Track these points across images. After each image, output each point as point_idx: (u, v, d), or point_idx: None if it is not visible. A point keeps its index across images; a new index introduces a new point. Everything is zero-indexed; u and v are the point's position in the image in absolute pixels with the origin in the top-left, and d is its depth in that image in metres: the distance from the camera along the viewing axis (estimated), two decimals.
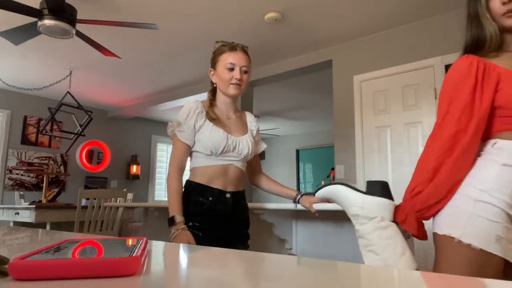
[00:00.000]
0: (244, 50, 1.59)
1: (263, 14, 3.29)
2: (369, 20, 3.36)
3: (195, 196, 1.51)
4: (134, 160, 6.97)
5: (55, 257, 0.39)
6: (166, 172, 7.60)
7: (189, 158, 1.58)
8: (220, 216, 1.50)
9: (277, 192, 1.69)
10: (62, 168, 6.13)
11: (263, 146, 1.77)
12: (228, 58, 1.54)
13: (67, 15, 2.82)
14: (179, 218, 1.43)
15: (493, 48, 1.13)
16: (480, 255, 1.00)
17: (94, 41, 3.30)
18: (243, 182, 1.63)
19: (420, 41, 3.31)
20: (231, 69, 1.53)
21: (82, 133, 4.76)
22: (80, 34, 3.16)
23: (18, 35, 3.12)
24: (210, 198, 1.49)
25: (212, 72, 1.62)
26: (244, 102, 4.78)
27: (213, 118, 1.52)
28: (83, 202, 3.86)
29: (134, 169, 6.90)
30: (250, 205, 2.21)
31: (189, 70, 4.74)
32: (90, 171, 6.40)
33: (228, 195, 1.52)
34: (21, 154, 5.66)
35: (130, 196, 4.63)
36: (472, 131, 1.06)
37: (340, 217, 1.98)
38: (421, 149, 3.18)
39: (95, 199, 3.84)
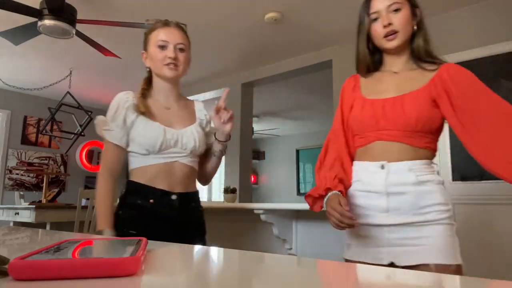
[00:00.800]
0: (179, 26, 1.38)
1: (263, 14, 3.29)
2: None
3: (132, 199, 1.28)
4: None
5: (55, 257, 0.39)
6: None
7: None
8: (164, 221, 1.26)
9: (210, 164, 1.44)
10: (62, 168, 6.13)
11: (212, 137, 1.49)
12: (159, 35, 1.33)
13: (67, 15, 2.83)
14: (107, 233, 1.21)
15: (366, 67, 1.24)
16: None
17: (94, 41, 3.30)
18: (194, 180, 1.39)
19: None
20: (163, 47, 1.32)
21: (82, 133, 4.76)
22: (80, 34, 3.16)
23: (18, 35, 3.12)
24: (151, 201, 1.26)
25: (144, 55, 1.39)
26: (244, 102, 4.78)
27: (142, 112, 1.28)
28: (83, 202, 3.86)
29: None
30: (250, 205, 2.21)
31: (189, 70, 4.74)
32: (90, 171, 6.40)
33: (174, 197, 1.28)
34: (21, 154, 5.66)
35: None
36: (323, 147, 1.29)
37: None
38: None
39: (95, 199, 3.83)
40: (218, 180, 8.52)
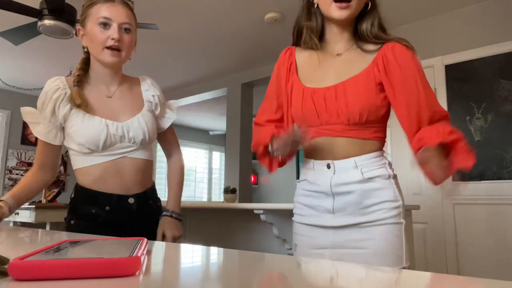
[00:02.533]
0: (125, 2, 1.18)
1: (263, 14, 3.29)
2: None
3: (85, 208, 1.14)
4: None
5: (55, 257, 0.39)
6: (165, 172, 7.59)
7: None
8: (123, 228, 1.12)
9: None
10: (62, 168, 6.13)
11: (170, 118, 1.31)
12: (101, 10, 1.11)
13: (67, 15, 2.82)
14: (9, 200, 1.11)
15: (308, 37, 1.09)
16: None
17: None
18: (149, 174, 1.22)
19: (420, 41, 3.31)
20: (105, 25, 1.11)
21: None
22: None
23: (18, 35, 3.12)
24: (107, 208, 1.12)
25: (81, 32, 1.16)
26: (244, 102, 4.78)
27: (78, 104, 1.10)
28: None
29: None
30: (250, 205, 2.21)
31: (189, 70, 4.74)
32: None
33: (131, 200, 1.15)
34: (21, 154, 5.66)
35: None
36: None
37: None
38: None
39: None
40: (218, 180, 8.54)
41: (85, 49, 1.18)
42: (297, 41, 1.15)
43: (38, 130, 1.13)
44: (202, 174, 8.29)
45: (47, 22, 2.75)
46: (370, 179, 1.01)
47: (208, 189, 8.33)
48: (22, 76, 4.94)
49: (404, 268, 0.96)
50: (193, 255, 0.58)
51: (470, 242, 2.84)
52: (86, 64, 1.19)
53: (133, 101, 1.22)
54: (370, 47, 1.05)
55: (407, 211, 1.02)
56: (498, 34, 2.90)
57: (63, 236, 0.82)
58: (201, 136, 8.28)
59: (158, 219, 1.24)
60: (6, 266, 0.36)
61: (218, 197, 8.37)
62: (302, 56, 1.12)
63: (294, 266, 0.49)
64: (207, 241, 2.53)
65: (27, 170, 5.66)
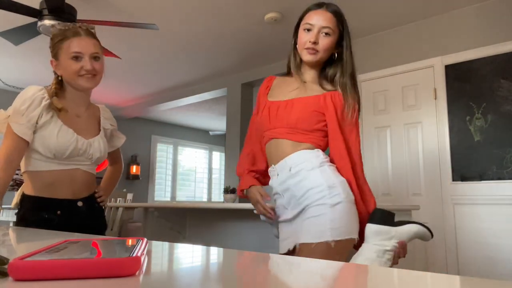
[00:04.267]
0: (90, 32, 1.31)
1: (263, 14, 3.29)
2: (368, 20, 3.36)
3: (36, 214, 1.23)
4: (134, 160, 6.97)
5: (55, 257, 0.39)
6: (165, 173, 7.60)
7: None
8: (75, 230, 1.19)
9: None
10: None
11: (121, 140, 1.56)
12: (71, 46, 1.25)
13: (67, 15, 2.82)
14: None
15: (288, 68, 1.38)
16: None
17: None
18: (94, 185, 1.41)
19: (420, 41, 3.31)
20: (77, 58, 1.26)
21: None
22: None
23: (18, 35, 3.12)
24: (59, 212, 1.24)
25: (54, 63, 1.32)
26: (244, 102, 4.78)
27: (59, 109, 1.24)
28: None
29: (134, 169, 6.89)
30: (250, 205, 2.21)
31: (189, 70, 4.74)
32: None
33: (80, 203, 1.30)
34: None
35: (130, 196, 4.63)
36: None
37: None
38: (421, 149, 3.19)
39: None
40: (218, 180, 8.54)
41: (59, 77, 1.33)
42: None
43: (22, 131, 1.21)
44: (202, 174, 8.29)
45: (47, 22, 2.75)
46: (296, 173, 1.20)
47: (208, 189, 8.33)
48: (22, 76, 4.94)
49: (327, 242, 1.11)
50: (193, 255, 0.58)
51: (470, 242, 2.84)
52: (60, 83, 1.34)
53: (94, 124, 1.41)
54: (328, 86, 1.31)
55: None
56: (498, 34, 2.90)
57: (63, 236, 0.82)
58: (201, 136, 8.28)
59: (101, 219, 1.43)
60: (6, 266, 0.36)
61: (218, 197, 8.37)
62: (279, 79, 1.41)
63: (294, 266, 0.49)
64: (207, 241, 2.53)
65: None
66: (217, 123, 7.60)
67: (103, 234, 1.43)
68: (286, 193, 1.24)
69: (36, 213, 1.25)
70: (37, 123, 1.23)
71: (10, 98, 5.48)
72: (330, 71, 1.32)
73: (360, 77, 3.68)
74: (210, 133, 8.22)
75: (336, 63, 1.31)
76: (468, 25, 3.08)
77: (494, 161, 2.75)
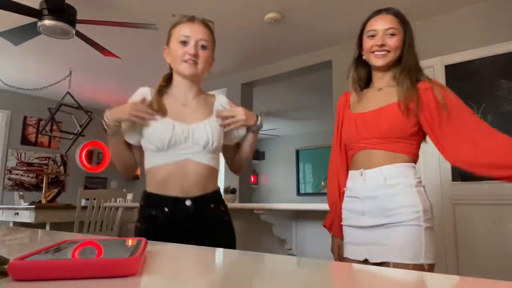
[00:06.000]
0: (205, 23, 1.31)
1: (263, 14, 3.29)
2: None
3: (147, 210, 1.22)
4: None
5: (55, 257, 0.39)
6: None
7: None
8: (180, 230, 1.18)
9: (244, 147, 1.37)
10: (61, 168, 6.13)
11: (240, 133, 1.34)
12: (181, 30, 1.26)
13: (67, 15, 2.83)
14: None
15: (357, 86, 1.37)
16: None
17: (93, 41, 3.30)
18: (213, 180, 1.27)
19: (420, 41, 3.31)
20: (184, 43, 1.24)
21: (82, 134, 4.76)
22: (80, 34, 3.16)
23: (18, 35, 3.12)
24: (166, 210, 1.18)
25: (166, 50, 1.32)
26: (244, 102, 4.78)
27: (155, 110, 1.22)
28: (83, 202, 3.86)
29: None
30: (250, 205, 2.21)
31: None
32: (90, 172, 6.40)
33: (188, 202, 1.18)
34: (20, 155, 5.66)
35: (130, 196, 4.63)
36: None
37: None
38: (421, 149, 3.18)
39: (94, 199, 3.84)
40: (218, 180, 8.53)
41: (169, 66, 1.32)
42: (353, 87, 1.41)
43: (128, 136, 1.27)
44: None
45: (47, 22, 2.75)
46: (391, 185, 1.18)
47: None
48: (22, 76, 4.94)
49: (422, 264, 1.11)
50: (193, 255, 0.58)
51: (470, 242, 2.84)
52: (168, 78, 1.33)
53: (204, 110, 1.29)
54: (406, 83, 1.25)
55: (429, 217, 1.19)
56: (498, 34, 2.90)
57: (63, 236, 0.82)
58: None
59: (219, 221, 1.27)
60: (6, 266, 0.36)
61: None
62: (356, 96, 1.38)
63: (294, 266, 0.49)
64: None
65: (27, 170, 5.67)
66: None
67: (222, 243, 1.14)
68: (371, 200, 1.20)
69: (145, 209, 1.23)
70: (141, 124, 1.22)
71: (10, 98, 5.46)
72: (394, 70, 1.29)
73: None
74: None
75: (399, 62, 1.29)
76: (468, 25, 3.08)
77: None
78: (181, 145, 1.19)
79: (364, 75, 1.37)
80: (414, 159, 1.25)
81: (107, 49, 3.47)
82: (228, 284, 0.37)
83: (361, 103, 1.33)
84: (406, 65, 1.26)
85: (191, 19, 1.29)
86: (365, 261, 1.22)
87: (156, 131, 1.19)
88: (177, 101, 1.27)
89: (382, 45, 1.24)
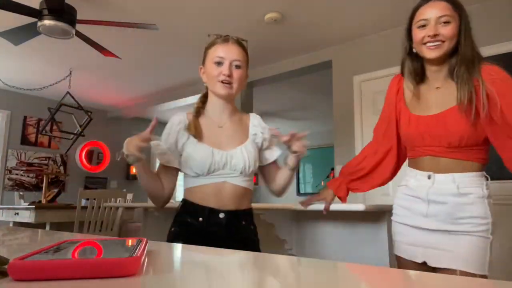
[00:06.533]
0: (239, 42, 1.35)
1: (263, 14, 3.29)
2: (368, 20, 3.36)
3: (183, 216, 1.29)
4: None
5: (55, 257, 0.39)
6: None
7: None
8: (212, 240, 1.18)
9: (282, 179, 1.43)
10: (61, 168, 6.12)
11: (273, 153, 1.43)
12: (216, 51, 1.30)
13: (67, 15, 2.83)
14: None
15: (412, 77, 1.26)
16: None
17: (93, 41, 3.30)
18: (247, 200, 1.34)
19: None
20: (219, 63, 1.29)
21: (82, 134, 4.76)
22: (80, 35, 3.16)
23: (18, 35, 3.12)
24: (200, 219, 1.25)
25: (202, 70, 1.37)
26: (244, 102, 4.78)
27: (192, 134, 1.28)
28: (83, 202, 3.86)
29: (134, 169, 6.89)
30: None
31: (189, 70, 4.74)
32: (90, 172, 6.40)
33: (221, 215, 1.24)
34: (20, 155, 5.66)
35: (129, 196, 4.63)
36: None
37: (339, 217, 1.98)
38: None
39: (94, 199, 3.84)
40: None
41: (205, 85, 1.36)
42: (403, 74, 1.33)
43: (166, 160, 1.30)
44: None
45: (47, 22, 2.75)
46: (463, 194, 1.14)
47: None
48: (22, 76, 4.94)
49: (484, 275, 1.10)
50: (193, 255, 0.58)
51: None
52: (205, 97, 1.38)
53: (240, 132, 1.35)
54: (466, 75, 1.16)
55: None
56: (498, 34, 2.90)
57: (63, 236, 0.82)
58: None
59: (249, 239, 1.32)
60: (6, 267, 0.36)
61: None
62: (408, 86, 1.29)
63: (294, 266, 0.49)
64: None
65: (27, 170, 5.66)
66: None
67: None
68: (439, 205, 1.16)
69: (183, 215, 1.29)
70: (177, 148, 1.29)
71: (10, 98, 5.46)
72: (451, 61, 1.18)
73: (360, 77, 3.68)
74: None
75: (456, 53, 1.17)
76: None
77: (494, 161, 2.74)
78: (219, 170, 1.26)
79: (418, 69, 1.26)
80: (484, 164, 1.20)
81: (107, 49, 3.46)
82: (228, 284, 0.37)
83: (420, 103, 1.24)
84: (464, 57, 1.15)
85: (226, 39, 1.33)
86: (423, 264, 1.18)
87: (196, 159, 1.25)
88: (212, 123, 1.34)
89: (435, 35, 1.13)
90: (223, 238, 1.23)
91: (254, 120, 1.40)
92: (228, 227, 1.25)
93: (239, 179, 1.28)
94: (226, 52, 1.29)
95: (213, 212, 1.24)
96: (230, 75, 1.28)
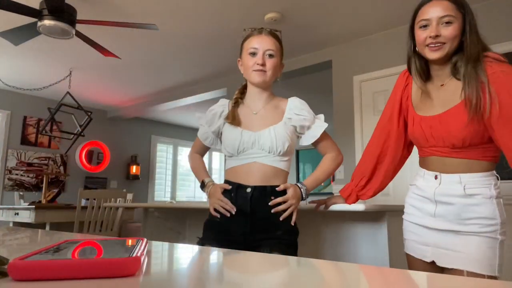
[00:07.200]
0: (272, 33, 1.44)
1: (263, 14, 3.29)
2: (368, 20, 3.36)
3: (223, 193, 1.42)
4: (133, 160, 6.97)
5: (55, 257, 0.39)
6: (165, 173, 7.61)
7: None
8: (240, 213, 1.33)
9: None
10: (61, 168, 6.12)
11: (318, 129, 1.45)
12: (251, 43, 1.41)
13: (67, 15, 2.82)
14: (207, 179, 1.48)
15: (419, 75, 1.24)
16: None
17: (93, 41, 3.30)
18: (279, 179, 1.39)
19: None
20: (254, 54, 1.39)
21: (82, 134, 4.75)
22: (79, 34, 3.15)
23: (18, 35, 3.12)
24: (232, 194, 1.36)
25: (239, 62, 1.48)
26: None
27: (229, 122, 1.41)
28: (83, 202, 3.86)
29: (134, 169, 6.89)
30: None
31: (189, 70, 4.74)
32: (90, 172, 6.40)
33: (248, 190, 1.34)
34: (20, 155, 5.66)
35: (129, 196, 4.63)
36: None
37: (340, 217, 1.98)
38: None
39: (94, 199, 3.84)
40: (218, 180, 8.55)
41: (245, 80, 1.49)
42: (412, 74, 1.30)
43: (201, 133, 1.53)
44: None
45: (47, 22, 2.75)
46: (470, 195, 1.13)
47: None
48: (22, 76, 4.94)
49: (493, 276, 1.10)
50: (193, 255, 0.58)
51: None
52: (244, 88, 1.50)
53: (274, 116, 1.43)
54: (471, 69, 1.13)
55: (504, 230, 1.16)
56: (499, 34, 2.90)
57: (63, 236, 0.82)
58: None
59: (271, 212, 1.34)
60: (6, 266, 0.36)
61: None
62: (416, 82, 1.27)
63: (294, 266, 0.49)
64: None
65: (27, 170, 5.67)
66: None
67: (270, 233, 1.33)
68: (446, 206, 1.16)
69: (223, 193, 1.40)
70: (215, 129, 1.46)
71: (10, 98, 5.46)
72: (454, 59, 1.16)
73: (359, 77, 3.68)
74: None
75: (461, 51, 1.15)
76: None
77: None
78: (249, 150, 1.37)
79: (423, 67, 1.25)
80: (494, 161, 1.17)
81: (107, 49, 3.46)
82: (228, 284, 0.37)
83: (425, 103, 1.24)
84: (468, 56, 1.12)
85: (260, 31, 1.43)
86: (432, 263, 1.19)
87: (228, 140, 1.39)
88: (249, 111, 1.44)
89: (437, 36, 1.11)
90: (247, 214, 1.33)
91: (291, 104, 1.46)
92: (254, 201, 1.33)
93: (268, 158, 1.36)
94: (260, 43, 1.39)
95: (241, 187, 1.35)
96: (263, 64, 1.38)
